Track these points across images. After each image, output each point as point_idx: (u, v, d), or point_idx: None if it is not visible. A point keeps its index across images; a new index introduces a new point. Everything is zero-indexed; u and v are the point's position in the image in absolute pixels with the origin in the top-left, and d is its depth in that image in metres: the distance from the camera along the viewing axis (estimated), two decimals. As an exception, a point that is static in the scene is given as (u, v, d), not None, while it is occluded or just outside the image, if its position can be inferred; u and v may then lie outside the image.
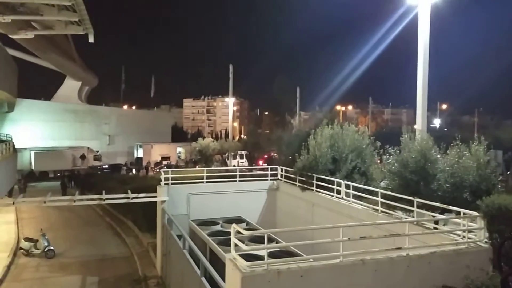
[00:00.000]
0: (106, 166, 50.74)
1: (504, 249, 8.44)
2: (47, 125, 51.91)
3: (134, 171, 49.40)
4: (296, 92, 54.82)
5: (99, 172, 48.41)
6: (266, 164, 38.56)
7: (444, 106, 77.68)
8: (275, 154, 37.91)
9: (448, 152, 12.25)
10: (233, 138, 57.13)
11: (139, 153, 56.28)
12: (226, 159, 47.02)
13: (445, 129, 60.67)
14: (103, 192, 17.54)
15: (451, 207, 10.52)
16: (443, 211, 11.08)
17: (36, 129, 50.41)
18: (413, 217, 11.21)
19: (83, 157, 48.37)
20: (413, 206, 11.22)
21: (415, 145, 12.49)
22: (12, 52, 46.42)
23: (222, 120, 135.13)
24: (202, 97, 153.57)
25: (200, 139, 46.97)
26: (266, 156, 45.03)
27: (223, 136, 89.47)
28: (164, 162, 51.93)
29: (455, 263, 8.78)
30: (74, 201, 16.94)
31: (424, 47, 15.25)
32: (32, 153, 44.78)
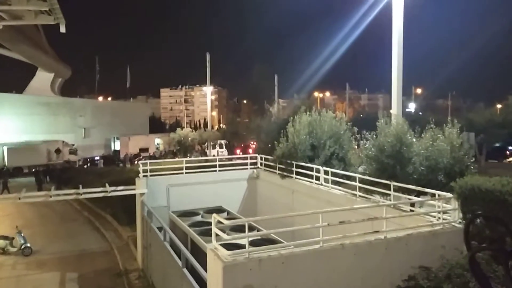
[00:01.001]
0: (98, 158, 49.60)
1: (476, 229, 8.71)
2: (20, 119, 50.33)
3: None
4: (274, 79, 54.79)
5: (89, 164, 47.34)
6: (242, 153, 38.65)
7: (419, 91, 79.04)
8: (253, 143, 37.99)
9: (423, 135, 12.49)
10: (212, 127, 56.81)
11: (116, 145, 55.37)
12: (206, 149, 46.80)
13: (420, 113, 61.82)
14: (80, 186, 17.22)
15: (427, 190, 10.78)
16: (418, 194, 11.33)
17: (8, 124, 48.83)
18: (390, 200, 11.45)
19: (58, 151, 47.17)
20: (390, 190, 11.44)
21: (391, 129, 12.65)
22: (-22, 44, 44.69)
23: (201, 109, 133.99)
24: (180, 86, 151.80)
25: (178, 129, 46.42)
26: (242, 145, 45.08)
27: (202, 125, 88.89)
28: (145, 154, 51.08)
29: (431, 244, 9.03)
30: (50, 197, 16.59)
31: (398, 32, 15.39)
32: (5, 148, 43.41)
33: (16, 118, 49.98)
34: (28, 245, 19.21)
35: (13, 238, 19.37)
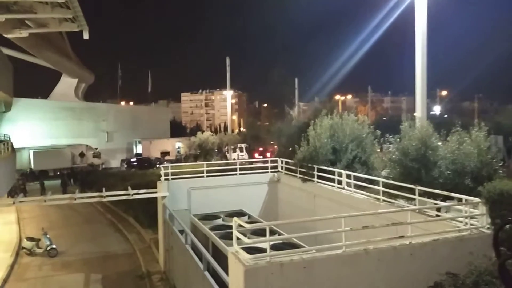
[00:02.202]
0: (134, 160, 50.10)
1: (505, 234, 8.43)
2: (45, 124, 51.72)
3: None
4: (294, 83, 54.63)
5: (126, 167, 47.99)
6: (261, 157, 38.61)
7: (444, 93, 77.36)
8: (273, 147, 37.97)
9: (448, 138, 12.22)
10: (232, 131, 57.02)
11: (138, 149, 56.14)
12: (226, 152, 46.95)
13: (445, 116, 60.54)
14: (103, 189, 17.50)
15: (453, 194, 10.53)
16: (445, 198, 11.07)
17: (34, 128, 50.21)
18: (415, 205, 11.21)
19: (82, 154, 48.22)
20: (414, 194, 11.21)
21: (415, 132, 12.45)
22: (7, 51, 46.13)
23: (221, 113, 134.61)
24: (200, 90, 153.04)
25: (199, 133, 46.87)
26: (261, 149, 45.16)
27: (222, 129, 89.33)
28: (170, 158, 51.28)
29: (458, 250, 8.79)
30: (75, 199, 16.94)
31: (422, 33, 15.14)
32: (31, 152, 44.68)
33: (41, 122, 51.39)
34: (54, 246, 19.64)
35: (39, 240, 19.86)
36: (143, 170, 41.00)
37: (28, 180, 38.12)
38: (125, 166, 49.06)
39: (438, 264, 8.55)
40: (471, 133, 11.85)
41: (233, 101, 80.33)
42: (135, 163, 48.55)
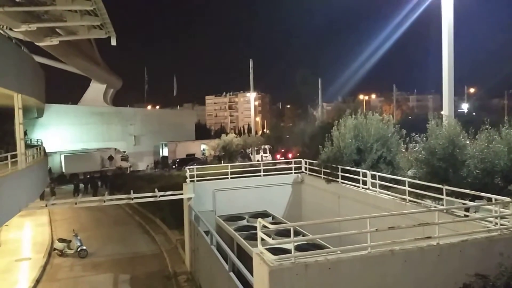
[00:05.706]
0: (178, 160, 50.61)
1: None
2: (75, 128, 53.34)
3: None
4: (317, 83, 54.10)
5: (174, 167, 48.39)
6: (283, 158, 38.47)
7: (472, 90, 75.12)
8: (296, 149, 37.79)
9: (477, 137, 11.90)
10: (256, 133, 57.10)
11: (165, 152, 57.07)
12: (250, 154, 47.06)
13: (474, 114, 58.75)
14: (132, 191, 17.90)
15: (482, 194, 10.25)
16: (473, 198, 10.79)
17: (65, 133, 51.86)
18: (443, 205, 10.97)
19: (111, 158, 49.44)
20: (442, 194, 10.99)
21: (442, 131, 12.18)
22: (38, 59, 47.85)
23: (245, 115, 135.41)
24: (224, 93, 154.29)
25: (223, 135, 47.12)
26: (282, 150, 45.06)
27: (246, 131, 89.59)
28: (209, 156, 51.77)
29: (488, 251, 8.57)
30: (104, 201, 17.38)
31: (449, 29, 14.79)
32: (62, 156, 46.20)
33: (72, 127, 53.04)
34: (84, 247, 20.23)
35: (70, 241, 20.49)
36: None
37: (59, 184, 39.29)
38: (175, 166, 49.11)
39: (467, 265, 8.36)
40: (501, 130, 11.51)
41: (256, 102, 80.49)
42: (177, 163, 49.16)
